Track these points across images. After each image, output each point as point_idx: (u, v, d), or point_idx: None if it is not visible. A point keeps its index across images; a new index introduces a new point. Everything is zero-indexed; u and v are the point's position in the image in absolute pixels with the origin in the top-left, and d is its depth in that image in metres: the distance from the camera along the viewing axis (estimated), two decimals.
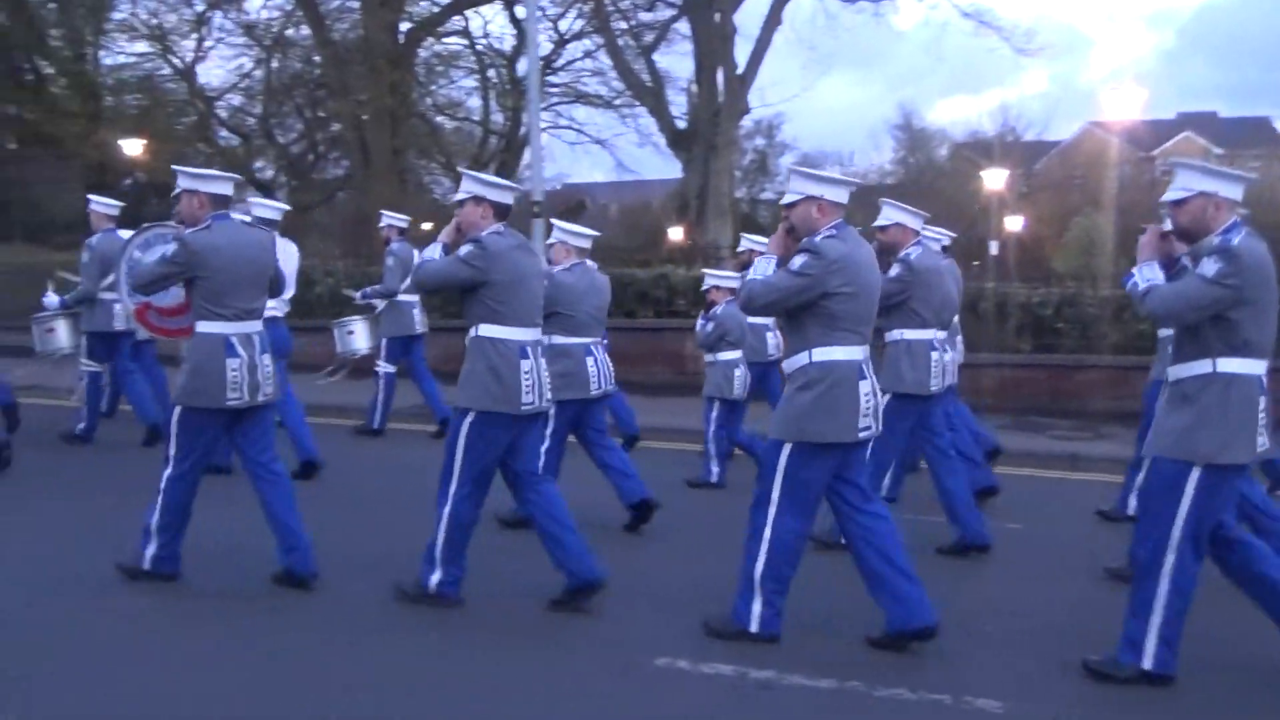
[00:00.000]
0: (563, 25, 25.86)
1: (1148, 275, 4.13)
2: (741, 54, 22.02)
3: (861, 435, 4.36)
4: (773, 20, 21.61)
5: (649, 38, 24.21)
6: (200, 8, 26.35)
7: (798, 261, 4.32)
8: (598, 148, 28.40)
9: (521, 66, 25.76)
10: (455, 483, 4.75)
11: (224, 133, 30.02)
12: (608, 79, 25.83)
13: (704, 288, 7.98)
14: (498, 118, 29.06)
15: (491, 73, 27.73)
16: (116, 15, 26.87)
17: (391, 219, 9.59)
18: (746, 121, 27.33)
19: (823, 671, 4.18)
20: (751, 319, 7.53)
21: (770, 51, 21.99)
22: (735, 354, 7.66)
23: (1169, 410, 4.09)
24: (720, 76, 21.85)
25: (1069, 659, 4.30)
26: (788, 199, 4.51)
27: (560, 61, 26.63)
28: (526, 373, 4.73)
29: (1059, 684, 4.18)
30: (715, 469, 7.73)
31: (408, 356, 9.36)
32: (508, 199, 4.91)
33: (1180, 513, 3.98)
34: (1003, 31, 22.22)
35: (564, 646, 4.45)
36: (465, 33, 26.53)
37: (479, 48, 26.87)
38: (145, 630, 4.54)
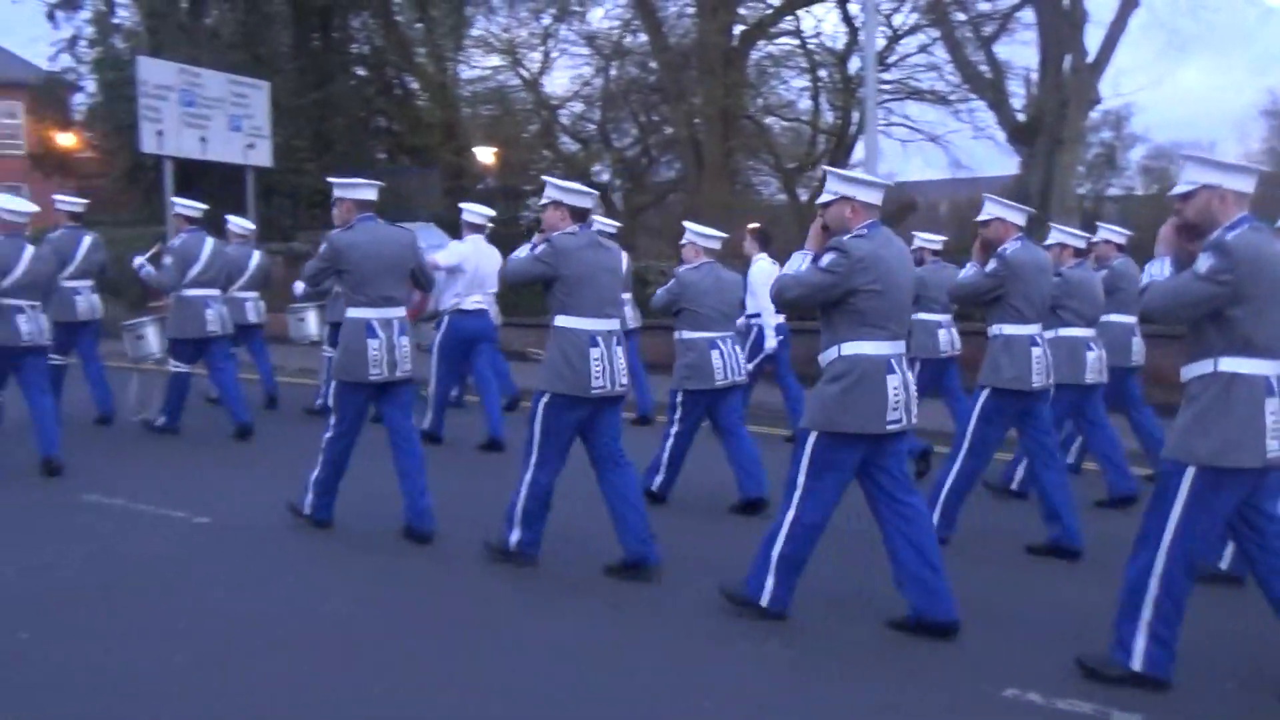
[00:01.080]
0: (896, 20, 25.26)
1: (1154, 271, 4.13)
2: (1091, 40, 20.64)
3: (890, 428, 4.52)
4: (1129, 2, 20.10)
5: (989, 28, 23.17)
6: (547, 21, 27.89)
7: (826, 259, 4.54)
8: (929, 145, 27.52)
9: (853, 65, 25.39)
10: (535, 455, 5.35)
11: (565, 139, 31.58)
12: (942, 73, 24.95)
13: None
14: (828, 117, 28.77)
15: (822, 72, 27.47)
16: (474, 32, 28.96)
17: (602, 224, 9.87)
18: (1093, 113, 25.59)
19: None
20: (922, 315, 7.98)
21: (1122, 37, 20.46)
22: None
23: (1180, 412, 4.03)
24: (1067, 65, 20.57)
25: None
26: (823, 199, 4.75)
27: (893, 58, 25.99)
28: (596, 359, 5.23)
29: None
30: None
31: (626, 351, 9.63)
32: (585, 203, 5.47)
33: (1171, 515, 3.94)
34: None
35: (904, 671, 4.28)
36: (797, 33, 26.45)
37: (810, 47, 26.70)
38: (499, 613, 4.80)
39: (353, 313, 5.91)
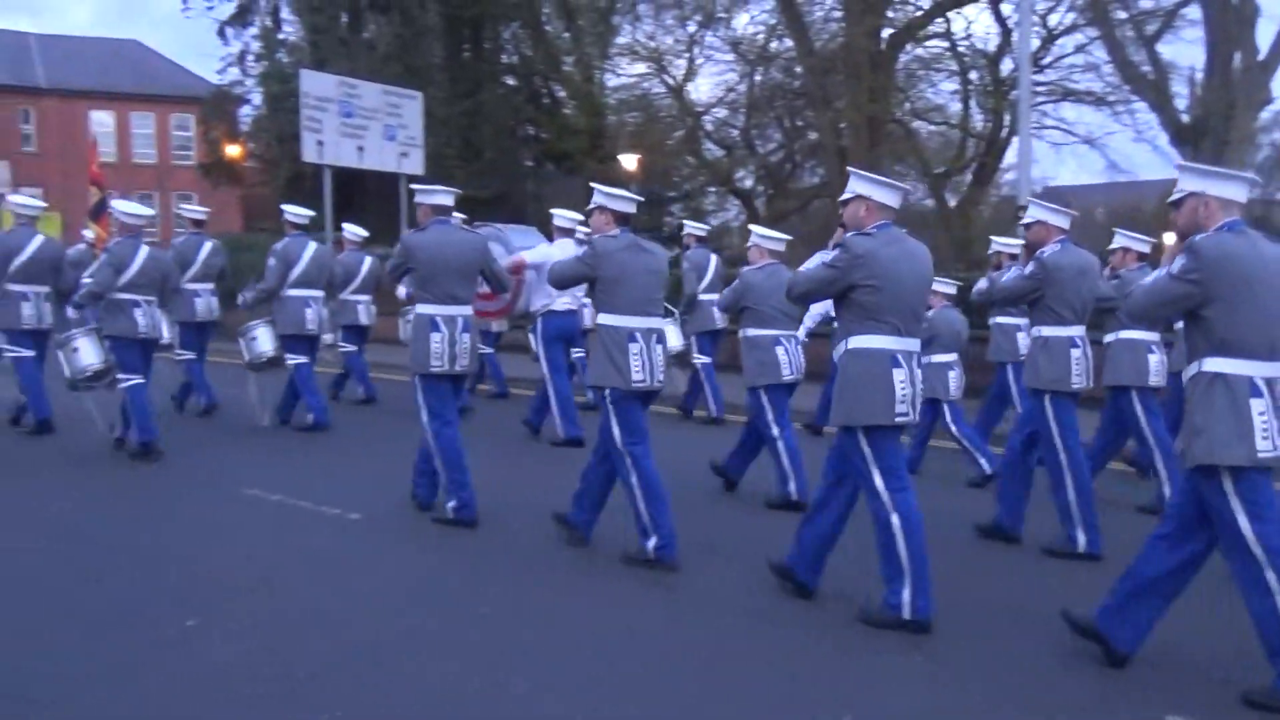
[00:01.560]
0: (1052, 20, 24.50)
1: (1147, 280, 4.29)
2: (1263, 37, 19.62)
3: (898, 419, 4.66)
4: None
5: (1152, 26, 22.26)
6: (692, 28, 28.02)
7: (830, 256, 4.75)
8: (1084, 148, 26.62)
9: (1006, 66, 24.75)
10: (627, 457, 5.51)
11: (709, 145, 31.63)
12: (1101, 73, 24.08)
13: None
14: (978, 121, 28.08)
15: (973, 74, 26.83)
16: (620, 40, 29.33)
17: (693, 228, 10.95)
18: (1264, 113, 24.30)
19: None
20: (1000, 319, 8.16)
21: None
22: (949, 356, 7.81)
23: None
24: (1237, 63, 19.61)
25: None
26: (843, 197, 4.89)
27: (1048, 58, 25.22)
28: (635, 354, 5.45)
29: None
30: (983, 461, 7.81)
31: (715, 349, 10.45)
32: (628, 208, 5.69)
33: (1243, 530, 3.88)
34: None
35: (1055, 690, 4.13)
36: (947, 34, 25.91)
37: (961, 49, 26.12)
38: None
39: (420, 308, 6.26)
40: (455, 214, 7.21)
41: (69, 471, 7.75)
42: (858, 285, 4.61)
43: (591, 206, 5.73)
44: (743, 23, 38.13)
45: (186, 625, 4.59)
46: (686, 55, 29.01)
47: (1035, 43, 23.98)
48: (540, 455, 8.61)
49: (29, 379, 8.90)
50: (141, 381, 8.09)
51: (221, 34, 28.69)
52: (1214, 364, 3.95)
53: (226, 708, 3.81)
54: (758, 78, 28.68)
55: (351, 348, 10.98)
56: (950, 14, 25.08)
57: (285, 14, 28.68)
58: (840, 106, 23.64)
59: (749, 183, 32.55)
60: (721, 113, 30.70)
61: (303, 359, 9.47)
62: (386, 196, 21.25)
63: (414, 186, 6.66)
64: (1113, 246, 7.10)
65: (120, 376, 8.14)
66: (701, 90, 33.67)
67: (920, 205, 28.80)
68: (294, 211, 9.75)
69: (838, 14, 24.39)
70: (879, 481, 4.69)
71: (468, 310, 6.33)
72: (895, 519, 4.64)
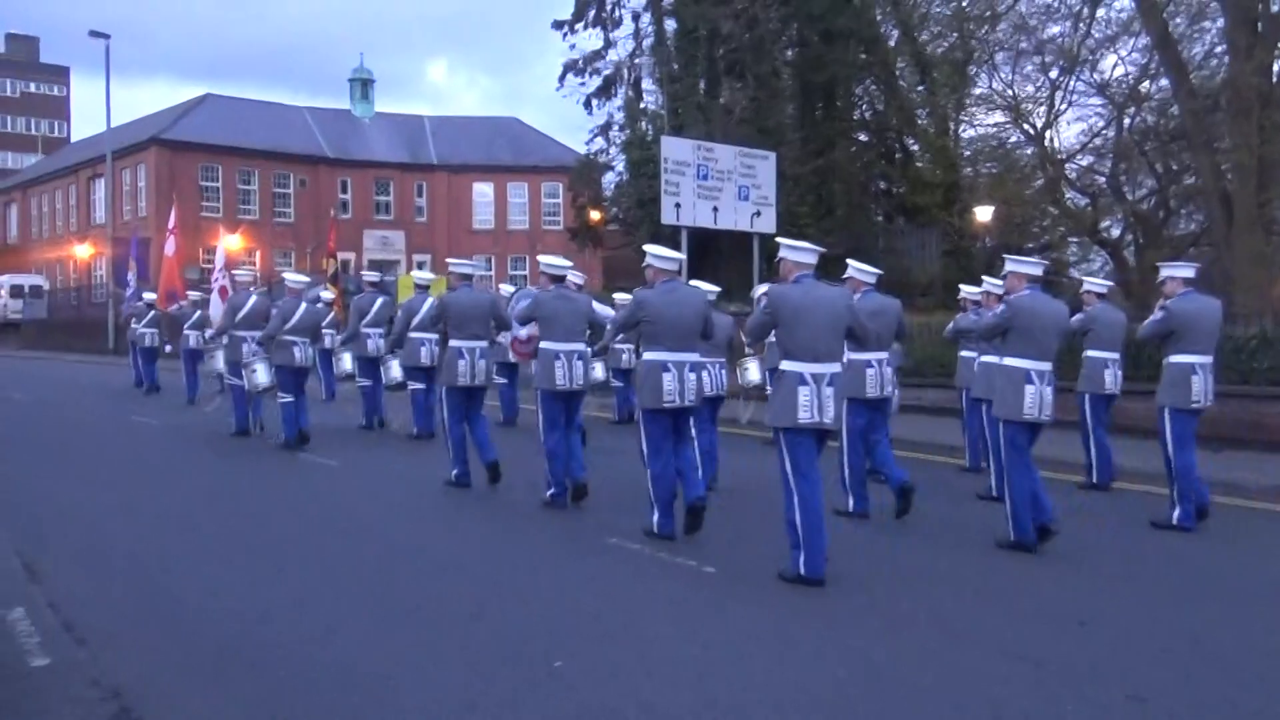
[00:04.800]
0: None
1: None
2: None
3: (665, 404, 7.11)
4: None
5: None
6: (1054, 74, 26.84)
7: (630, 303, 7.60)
8: None
9: None
10: (545, 434, 8.27)
11: (1072, 193, 30.07)
12: None
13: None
14: None
15: None
16: (976, 90, 28.56)
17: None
18: None
19: None
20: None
21: None
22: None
23: None
24: None
25: None
26: (645, 262, 7.42)
27: None
28: (559, 367, 8.10)
29: None
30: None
31: None
32: (559, 272, 8.44)
33: (786, 467, 6.31)
34: None
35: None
36: None
37: None
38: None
39: (452, 343, 9.21)
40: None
41: (445, 514, 8.44)
42: (641, 321, 7.21)
43: (540, 271, 8.52)
44: (1110, 64, 36.13)
45: (555, 665, 4.84)
46: (1047, 101, 27.86)
47: None
48: (879, 520, 8.42)
49: (239, 400, 12.83)
50: (293, 399, 11.69)
51: (588, 106, 30.69)
52: (784, 364, 6.24)
53: None
54: (1127, 121, 27.03)
55: (503, 380, 13.70)
56: None
57: (646, 85, 30.26)
58: (1224, 148, 21.74)
59: (1116, 232, 30.64)
60: (1085, 159, 29.19)
61: (420, 386, 12.53)
62: (740, 252, 21.76)
63: (449, 260, 10.15)
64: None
65: (280, 394, 11.71)
66: (1063, 137, 32.27)
67: None
68: (420, 276, 12.71)
69: (1220, 49, 22.57)
70: (645, 447, 7.27)
71: (484, 343, 9.33)
72: (650, 472, 7.27)
